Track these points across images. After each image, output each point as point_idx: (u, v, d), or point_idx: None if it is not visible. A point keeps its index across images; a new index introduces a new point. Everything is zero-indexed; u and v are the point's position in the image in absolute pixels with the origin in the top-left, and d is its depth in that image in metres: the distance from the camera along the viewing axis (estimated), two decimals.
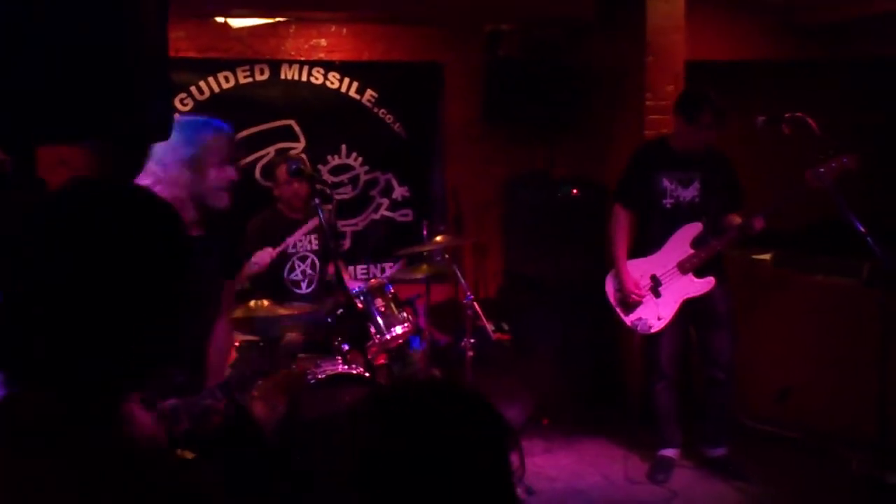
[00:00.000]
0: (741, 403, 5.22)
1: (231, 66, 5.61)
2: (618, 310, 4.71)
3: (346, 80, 5.97)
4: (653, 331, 4.66)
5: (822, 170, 4.18)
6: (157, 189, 2.84)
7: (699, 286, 4.63)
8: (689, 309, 4.67)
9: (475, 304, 4.98)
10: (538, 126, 6.29)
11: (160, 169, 2.81)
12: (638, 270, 4.67)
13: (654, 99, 5.69)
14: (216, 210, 2.89)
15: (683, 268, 4.60)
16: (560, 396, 5.63)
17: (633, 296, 4.61)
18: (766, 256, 5.38)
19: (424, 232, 5.17)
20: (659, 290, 4.64)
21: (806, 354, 5.28)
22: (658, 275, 4.64)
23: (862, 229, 3.73)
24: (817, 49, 7.27)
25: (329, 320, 4.34)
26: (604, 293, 4.75)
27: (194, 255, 2.85)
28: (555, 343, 5.80)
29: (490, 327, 5.14)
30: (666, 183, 4.62)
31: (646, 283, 4.65)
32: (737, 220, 4.61)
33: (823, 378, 5.15)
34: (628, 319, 4.68)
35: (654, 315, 4.64)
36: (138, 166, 2.79)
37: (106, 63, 1.30)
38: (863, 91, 7.54)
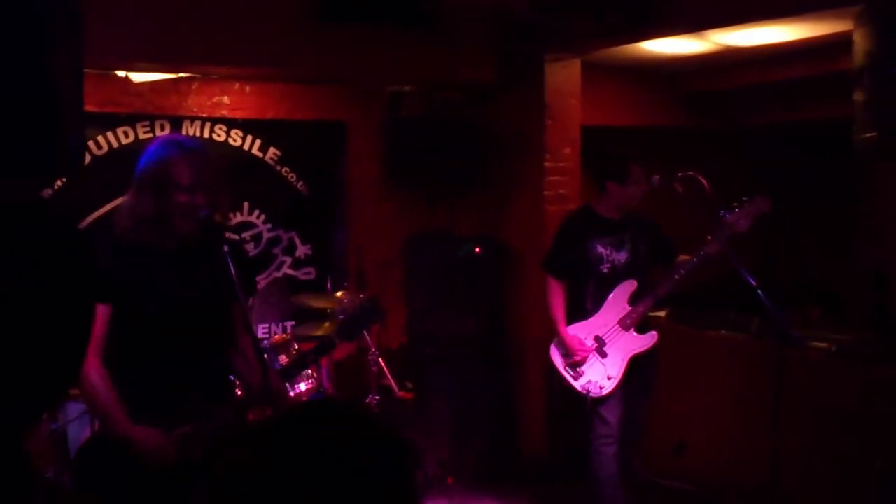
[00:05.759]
0: (640, 457, 5.31)
1: (131, 121, 5.52)
2: (567, 377, 4.58)
3: (249, 138, 5.94)
4: (604, 392, 4.52)
5: (739, 212, 4.27)
6: (125, 205, 2.81)
7: (643, 341, 4.58)
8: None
9: (380, 360, 4.95)
10: (440, 185, 6.37)
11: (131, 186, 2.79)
12: (581, 333, 4.59)
13: (552, 160, 5.86)
14: (178, 233, 2.82)
15: (625, 324, 4.54)
16: (461, 455, 5.61)
17: (581, 352, 4.53)
18: (662, 313, 5.53)
19: (329, 287, 5.14)
20: (604, 350, 4.55)
21: (701, 408, 5.43)
22: (601, 335, 4.57)
23: (752, 282, 3.88)
24: (704, 117, 7.64)
25: (231, 377, 4.24)
26: (548, 357, 4.65)
27: (189, 279, 2.80)
28: (456, 401, 5.80)
29: (395, 385, 5.12)
30: (600, 249, 4.58)
31: (591, 344, 4.57)
32: (685, 257, 4.54)
33: (718, 431, 5.30)
34: (578, 385, 4.55)
35: (604, 376, 4.53)
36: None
37: (18, 92, 1.28)
38: (753, 158, 7.93)
